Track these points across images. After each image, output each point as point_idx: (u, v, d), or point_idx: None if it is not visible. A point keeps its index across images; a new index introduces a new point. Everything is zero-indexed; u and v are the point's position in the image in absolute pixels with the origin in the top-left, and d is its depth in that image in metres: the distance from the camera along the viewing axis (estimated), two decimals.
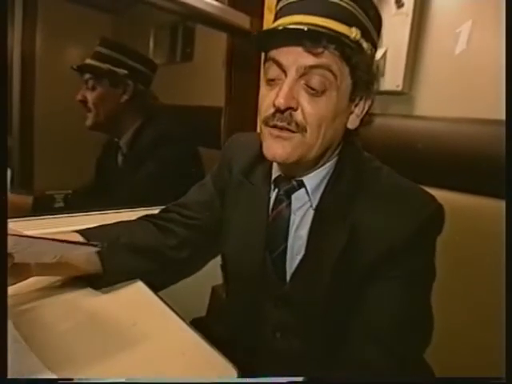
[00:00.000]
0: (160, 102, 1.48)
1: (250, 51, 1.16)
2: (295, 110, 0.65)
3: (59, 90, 1.55)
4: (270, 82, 0.68)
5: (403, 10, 1.14)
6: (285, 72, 0.65)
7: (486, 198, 0.90)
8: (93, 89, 1.29)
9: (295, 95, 0.64)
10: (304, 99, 0.65)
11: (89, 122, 1.30)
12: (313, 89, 0.64)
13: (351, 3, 0.63)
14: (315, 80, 0.63)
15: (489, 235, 0.87)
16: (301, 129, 0.65)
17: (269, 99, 0.67)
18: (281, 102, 0.63)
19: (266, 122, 0.68)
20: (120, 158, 1.38)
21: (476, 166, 0.94)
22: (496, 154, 0.87)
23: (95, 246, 0.60)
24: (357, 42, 0.64)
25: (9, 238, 0.49)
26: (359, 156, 0.76)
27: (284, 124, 0.65)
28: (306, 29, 0.60)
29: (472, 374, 0.80)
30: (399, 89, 1.15)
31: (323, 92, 0.64)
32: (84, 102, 1.30)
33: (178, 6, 1.05)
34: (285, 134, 0.66)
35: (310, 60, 0.63)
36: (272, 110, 0.66)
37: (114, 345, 0.60)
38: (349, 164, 0.74)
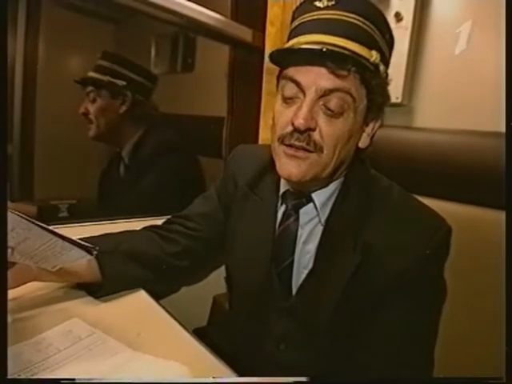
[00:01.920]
0: (161, 112, 1.49)
1: (252, 63, 1.17)
2: (313, 130, 0.64)
3: (60, 99, 1.56)
4: (287, 99, 0.67)
5: (402, 23, 1.16)
6: (303, 91, 0.64)
7: (486, 209, 0.91)
8: (93, 101, 1.32)
9: (314, 116, 0.64)
10: (322, 120, 0.64)
11: (91, 133, 1.34)
12: (331, 110, 0.64)
13: (371, 26, 0.64)
14: (334, 102, 0.63)
15: (489, 245, 0.88)
16: (318, 148, 0.65)
17: (285, 117, 0.66)
18: (301, 122, 0.63)
19: (281, 140, 0.67)
20: (122, 169, 1.40)
21: (476, 177, 0.95)
22: (495, 166, 0.87)
23: (93, 249, 0.60)
24: (375, 65, 0.64)
25: (9, 215, 0.49)
26: (367, 173, 0.77)
27: (302, 144, 0.65)
28: (330, 50, 0.60)
29: (472, 374, 0.80)
30: (399, 101, 1.17)
31: (341, 114, 0.64)
32: (86, 114, 1.33)
33: (181, 19, 1.07)
34: (301, 153, 0.66)
35: (330, 83, 0.62)
36: (289, 129, 0.66)
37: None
38: (357, 181, 0.74)
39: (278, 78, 0.71)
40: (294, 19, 0.70)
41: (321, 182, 0.73)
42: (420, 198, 0.96)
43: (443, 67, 1.13)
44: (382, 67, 0.66)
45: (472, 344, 0.89)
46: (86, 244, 0.60)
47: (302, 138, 0.65)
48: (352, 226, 0.71)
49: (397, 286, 0.67)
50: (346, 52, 0.61)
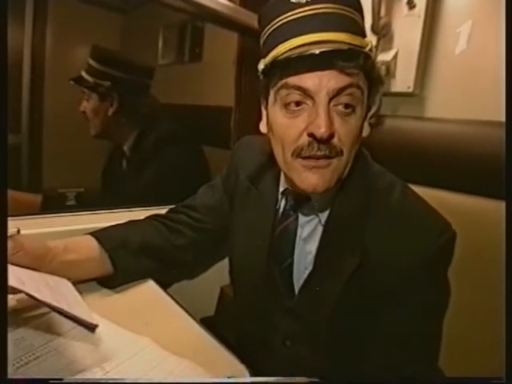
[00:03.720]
0: (161, 104, 1.47)
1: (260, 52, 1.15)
2: (334, 135, 0.60)
3: (68, 90, 1.56)
4: (292, 109, 0.62)
5: (415, 11, 1.13)
6: (311, 97, 0.60)
7: (499, 201, 0.89)
8: (88, 101, 1.32)
9: (332, 120, 0.60)
10: (337, 122, 0.60)
11: (92, 131, 1.34)
12: (344, 110, 0.60)
13: (355, 12, 0.60)
14: (345, 100, 0.60)
15: (500, 237, 0.86)
16: (339, 152, 0.62)
17: (296, 128, 0.62)
18: (323, 131, 0.58)
19: (297, 154, 0.63)
20: (124, 162, 1.40)
21: (489, 168, 0.93)
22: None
23: (92, 327, 0.57)
24: (370, 51, 0.61)
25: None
26: (369, 169, 0.73)
27: (325, 153, 0.60)
28: (346, 48, 0.57)
29: (472, 374, 0.80)
30: (410, 90, 1.14)
31: (353, 110, 0.61)
32: (84, 112, 1.33)
33: (189, 5, 1.05)
34: (322, 162, 0.62)
35: (342, 81, 0.58)
36: (306, 141, 0.61)
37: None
38: (358, 180, 0.70)
39: (276, 89, 0.63)
40: (268, 20, 0.63)
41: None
42: (431, 190, 0.96)
43: (456, 56, 1.10)
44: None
45: (472, 344, 0.88)
46: (87, 321, 0.56)
47: (323, 147, 0.60)
48: (351, 227, 0.68)
49: (397, 290, 0.65)
50: (352, 47, 0.58)
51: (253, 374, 0.60)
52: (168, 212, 0.94)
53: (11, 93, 1.64)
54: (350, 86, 0.59)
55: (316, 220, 0.73)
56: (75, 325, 0.60)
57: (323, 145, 0.60)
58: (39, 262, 0.64)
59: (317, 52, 0.56)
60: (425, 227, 0.66)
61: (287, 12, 0.60)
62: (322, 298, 0.70)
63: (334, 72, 0.58)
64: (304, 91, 0.60)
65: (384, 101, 1.15)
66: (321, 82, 0.58)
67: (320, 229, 0.72)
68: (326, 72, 0.58)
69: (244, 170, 0.85)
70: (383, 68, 1.15)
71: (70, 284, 0.64)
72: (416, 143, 1.06)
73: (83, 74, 1.31)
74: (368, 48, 0.61)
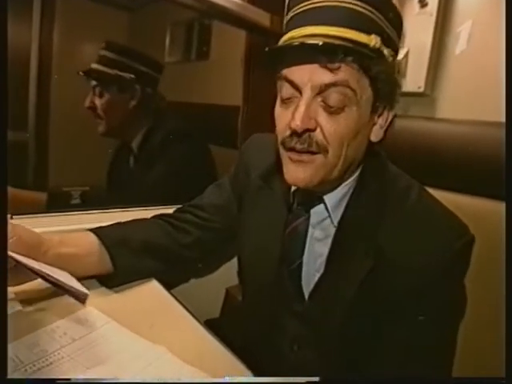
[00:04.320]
0: (169, 102, 1.46)
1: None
2: (314, 130, 0.60)
3: (75, 87, 1.55)
4: (285, 100, 0.63)
5: (427, 9, 1.11)
6: (299, 91, 0.60)
7: None
8: (100, 95, 1.28)
9: (312, 115, 0.60)
10: (322, 118, 0.60)
11: (101, 129, 1.30)
12: (331, 107, 0.59)
13: (368, 7, 0.58)
14: (333, 98, 0.59)
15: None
16: (322, 149, 0.61)
17: (284, 119, 0.63)
18: (297, 124, 0.58)
19: (283, 145, 0.64)
20: (132, 160, 1.39)
21: (500, 170, 0.91)
22: None
23: (83, 298, 0.57)
24: (377, 50, 0.58)
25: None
26: (384, 171, 0.71)
27: (304, 146, 0.61)
28: (320, 43, 0.55)
29: (472, 374, 0.79)
30: (421, 90, 1.13)
31: (342, 109, 0.59)
32: (93, 108, 1.29)
33: (197, 2, 1.04)
34: (305, 157, 0.62)
35: (326, 77, 0.58)
36: (288, 132, 0.62)
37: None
38: (373, 181, 0.69)
39: (277, 80, 0.66)
40: (288, 10, 0.64)
41: (332, 183, 0.69)
42: (443, 193, 0.94)
43: (468, 56, 1.08)
44: (386, 51, 0.59)
45: (472, 344, 0.86)
46: (78, 291, 0.56)
47: (302, 140, 0.61)
48: (365, 229, 0.67)
49: (411, 295, 0.64)
50: (337, 42, 0.56)
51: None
52: (174, 211, 0.93)
53: (18, 90, 1.64)
54: (336, 83, 0.58)
55: (328, 221, 0.71)
56: (89, 331, 0.60)
57: (301, 138, 0.61)
58: (34, 252, 0.63)
59: (294, 44, 0.58)
60: (442, 230, 0.65)
61: (301, 3, 0.60)
62: (334, 302, 0.68)
63: (321, 68, 0.58)
64: (292, 84, 0.61)
65: None
66: (307, 76, 0.59)
67: (332, 230, 0.71)
68: (314, 66, 0.58)
69: (255, 169, 0.84)
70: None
71: (67, 273, 0.63)
72: (427, 144, 1.04)
73: (96, 66, 1.28)
74: (372, 45, 0.58)
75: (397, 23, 0.63)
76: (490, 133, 0.95)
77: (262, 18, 1.12)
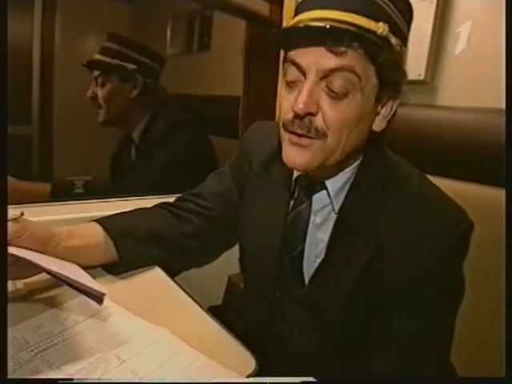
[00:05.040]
0: (170, 94, 1.48)
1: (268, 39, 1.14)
2: (315, 115, 0.60)
3: (78, 80, 1.56)
4: (290, 84, 0.63)
5: None
6: (304, 74, 0.60)
7: None
8: (102, 85, 1.30)
9: (315, 99, 0.60)
10: (325, 102, 0.60)
11: (100, 118, 1.32)
12: (334, 92, 0.59)
13: None
14: (337, 83, 0.59)
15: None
16: (321, 135, 0.61)
17: (288, 102, 0.63)
18: (300, 107, 0.59)
19: (285, 127, 0.65)
20: (133, 151, 1.40)
21: (502, 157, 0.90)
22: None
23: (99, 297, 0.56)
24: (384, 38, 0.58)
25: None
26: (385, 159, 0.72)
27: (303, 131, 0.61)
28: (327, 26, 0.55)
29: (472, 374, 0.80)
30: (421, 78, 1.12)
31: (346, 95, 0.59)
32: (94, 98, 1.31)
33: None
34: (304, 141, 0.62)
35: (332, 62, 0.58)
36: (291, 116, 0.62)
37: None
38: (374, 168, 0.70)
39: (284, 63, 0.66)
40: None
41: (333, 169, 0.69)
42: (444, 180, 0.94)
43: (469, 43, 1.07)
44: (393, 39, 0.59)
45: (472, 344, 0.87)
46: (95, 291, 0.55)
47: (303, 124, 0.61)
48: (366, 216, 0.67)
49: (411, 282, 0.64)
50: (344, 26, 0.56)
51: (259, 363, 0.60)
52: (176, 200, 0.94)
53: (21, 84, 1.65)
54: (341, 68, 0.58)
55: (329, 207, 0.72)
56: (91, 313, 0.62)
57: (302, 122, 0.61)
58: (44, 247, 0.64)
59: (300, 26, 0.58)
60: (442, 216, 0.65)
61: None
62: (334, 288, 0.69)
63: (327, 52, 0.58)
64: (298, 67, 0.61)
65: None
66: (313, 59, 0.59)
67: (333, 217, 0.72)
68: (320, 51, 0.58)
69: (256, 157, 0.85)
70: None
71: (78, 267, 0.64)
72: (427, 132, 1.03)
73: (99, 57, 1.30)
74: (379, 32, 0.57)
75: (406, 13, 0.63)
76: (490, 120, 0.95)
77: (261, 7, 1.12)
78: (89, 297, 0.56)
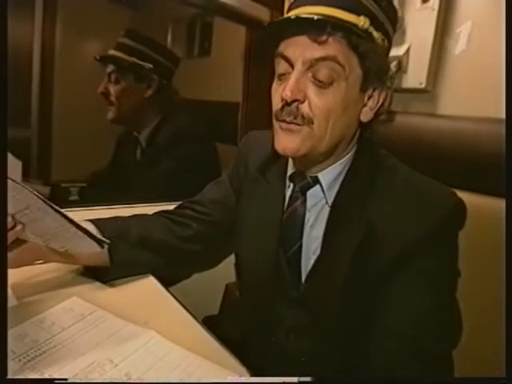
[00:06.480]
0: (181, 97, 1.45)
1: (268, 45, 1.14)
2: (302, 102, 0.65)
3: (78, 83, 1.56)
4: (281, 76, 0.68)
5: (429, 4, 1.10)
6: (292, 66, 0.65)
7: None
8: (116, 82, 1.27)
9: (302, 88, 0.64)
10: (311, 91, 0.64)
11: (110, 115, 1.29)
12: (320, 81, 0.64)
13: None
14: (322, 72, 0.63)
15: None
16: (307, 121, 0.65)
17: (278, 94, 0.67)
18: (287, 94, 0.63)
19: (276, 117, 0.69)
20: (139, 153, 1.37)
21: (502, 167, 0.90)
22: None
23: (104, 242, 0.60)
24: (366, 31, 0.63)
25: (25, 194, 0.51)
26: (375, 152, 0.75)
27: (291, 118, 0.65)
28: (315, 18, 0.61)
29: (472, 374, 0.79)
30: (422, 86, 1.12)
31: (331, 83, 0.64)
32: (106, 94, 1.28)
33: None
34: (293, 126, 0.66)
35: (317, 52, 0.63)
36: (280, 104, 0.66)
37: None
38: (365, 160, 0.73)
39: (275, 59, 0.70)
40: None
41: (323, 160, 0.72)
42: None
43: (470, 52, 1.07)
44: (375, 33, 0.65)
45: (472, 344, 0.86)
46: (98, 236, 0.61)
47: (290, 111, 0.65)
48: (357, 206, 0.69)
49: (403, 262, 0.65)
50: (326, 18, 0.61)
51: (252, 374, 0.58)
52: (174, 208, 0.94)
53: (21, 87, 1.64)
54: (325, 58, 0.63)
55: (323, 202, 0.73)
56: (77, 319, 0.61)
57: (290, 109, 0.65)
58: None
59: (287, 18, 0.65)
60: (430, 193, 0.69)
61: None
62: (330, 281, 0.70)
63: (311, 43, 0.63)
64: (286, 59, 0.66)
65: (395, 97, 1.13)
66: (299, 51, 0.64)
67: (327, 211, 0.72)
68: (306, 43, 0.63)
69: (253, 163, 0.86)
70: (394, 63, 1.12)
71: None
72: (428, 140, 1.03)
73: (114, 52, 1.27)
74: (360, 25, 0.63)
75: (389, 11, 0.68)
76: (490, 129, 0.95)
77: (262, 13, 1.12)
78: (93, 240, 0.63)
